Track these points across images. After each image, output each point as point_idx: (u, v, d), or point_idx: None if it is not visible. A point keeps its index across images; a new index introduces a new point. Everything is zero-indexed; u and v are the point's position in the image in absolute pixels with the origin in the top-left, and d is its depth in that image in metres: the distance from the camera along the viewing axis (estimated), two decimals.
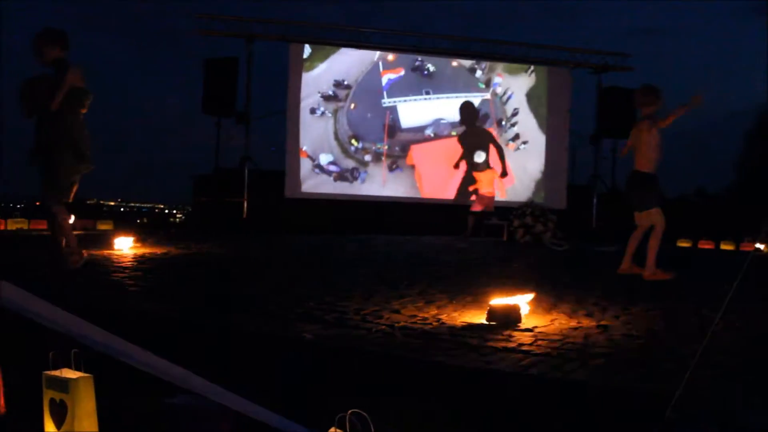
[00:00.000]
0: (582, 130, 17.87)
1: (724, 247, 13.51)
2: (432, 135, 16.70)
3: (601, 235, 14.92)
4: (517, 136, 16.96)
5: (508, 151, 16.90)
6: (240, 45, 16.05)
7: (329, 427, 2.08)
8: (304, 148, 15.93)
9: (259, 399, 2.29)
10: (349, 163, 16.19)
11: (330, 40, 16.35)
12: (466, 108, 16.92)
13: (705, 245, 13.73)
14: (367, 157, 16.31)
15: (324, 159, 16.05)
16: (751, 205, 18.17)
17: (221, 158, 16.36)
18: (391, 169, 16.32)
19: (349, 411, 2.01)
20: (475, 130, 16.87)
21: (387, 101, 16.41)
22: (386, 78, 16.43)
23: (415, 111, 16.60)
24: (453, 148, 16.74)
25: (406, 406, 2.87)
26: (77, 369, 2.32)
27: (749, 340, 3.73)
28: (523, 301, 4.31)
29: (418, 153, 16.53)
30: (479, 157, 14.53)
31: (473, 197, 14.04)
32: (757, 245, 11.81)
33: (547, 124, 17.07)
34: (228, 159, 16.42)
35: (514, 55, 17.24)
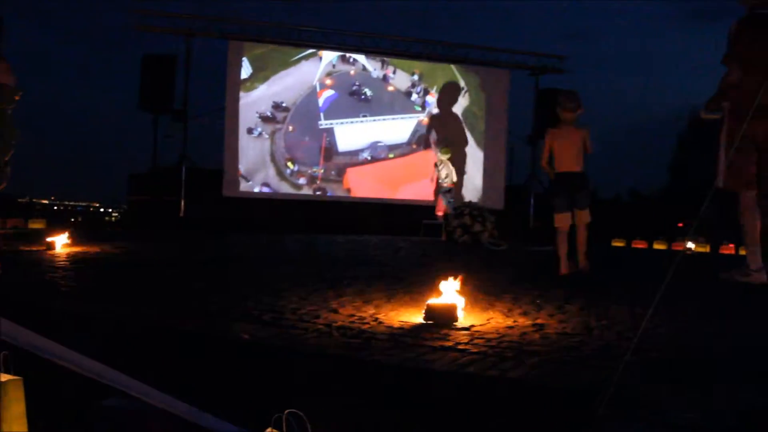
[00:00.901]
0: (519, 131, 18.13)
1: (657, 246, 13.83)
2: (369, 158, 16.68)
3: (539, 235, 15.12)
4: None
5: None
6: (180, 42, 15.86)
7: (266, 428, 2.07)
8: (239, 167, 15.79)
9: (195, 400, 2.27)
10: (283, 186, 16.07)
11: (271, 38, 16.24)
12: (449, 88, 17.00)
13: (638, 245, 14.03)
14: (302, 180, 16.22)
15: (256, 188, 15.92)
16: (682, 205, 18.68)
17: (159, 156, 16.15)
18: (317, 195, 16.26)
19: (286, 411, 2.00)
20: (452, 115, 16.97)
21: (324, 123, 16.33)
22: (323, 97, 16.35)
23: (351, 134, 16.57)
24: (389, 171, 16.75)
25: (343, 405, 2.88)
26: (6, 372, 2.26)
27: (679, 339, 3.82)
28: (453, 289, 4.31)
29: (353, 176, 16.50)
30: (447, 151, 14.40)
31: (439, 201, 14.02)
32: (688, 245, 12.17)
33: (485, 129, 17.22)
34: (165, 157, 16.21)
35: (455, 56, 17.38)
